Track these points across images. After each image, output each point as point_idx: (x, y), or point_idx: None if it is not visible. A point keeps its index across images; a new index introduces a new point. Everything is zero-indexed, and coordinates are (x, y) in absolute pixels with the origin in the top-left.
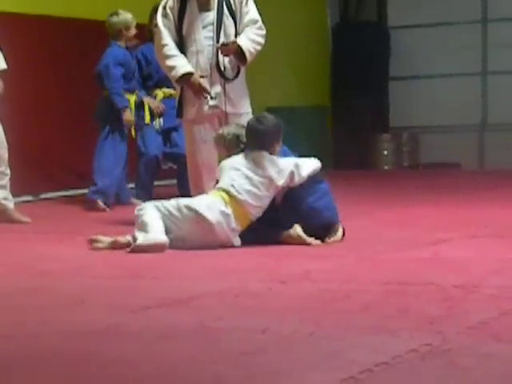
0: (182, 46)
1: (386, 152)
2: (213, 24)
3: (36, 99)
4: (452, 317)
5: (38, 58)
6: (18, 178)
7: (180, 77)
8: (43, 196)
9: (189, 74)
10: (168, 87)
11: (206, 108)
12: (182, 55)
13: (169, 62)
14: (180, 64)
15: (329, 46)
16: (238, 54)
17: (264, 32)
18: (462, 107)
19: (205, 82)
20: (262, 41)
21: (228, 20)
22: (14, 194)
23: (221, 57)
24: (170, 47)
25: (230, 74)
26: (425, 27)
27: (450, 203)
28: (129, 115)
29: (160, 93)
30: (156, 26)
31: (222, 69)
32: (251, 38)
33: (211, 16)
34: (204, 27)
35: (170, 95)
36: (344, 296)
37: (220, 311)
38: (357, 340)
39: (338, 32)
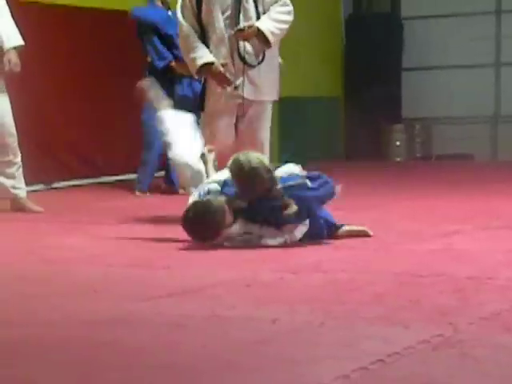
0: (203, 36)
1: (398, 143)
2: (231, 10)
3: (51, 87)
4: (464, 308)
5: (54, 45)
6: (31, 167)
7: (200, 67)
8: (56, 185)
9: (209, 64)
10: None
11: (227, 98)
12: (203, 45)
13: (190, 55)
14: (199, 55)
15: (342, 36)
16: (260, 37)
17: (290, 8)
18: (475, 98)
19: (226, 70)
20: (287, 18)
21: (248, 3)
22: (27, 182)
23: (241, 43)
24: (191, 39)
25: (253, 59)
26: (438, 18)
27: (463, 195)
28: (175, 66)
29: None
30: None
31: (243, 55)
32: (274, 18)
33: (229, 2)
34: (223, 13)
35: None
36: (355, 287)
37: (231, 301)
38: (368, 330)
39: (351, 23)
